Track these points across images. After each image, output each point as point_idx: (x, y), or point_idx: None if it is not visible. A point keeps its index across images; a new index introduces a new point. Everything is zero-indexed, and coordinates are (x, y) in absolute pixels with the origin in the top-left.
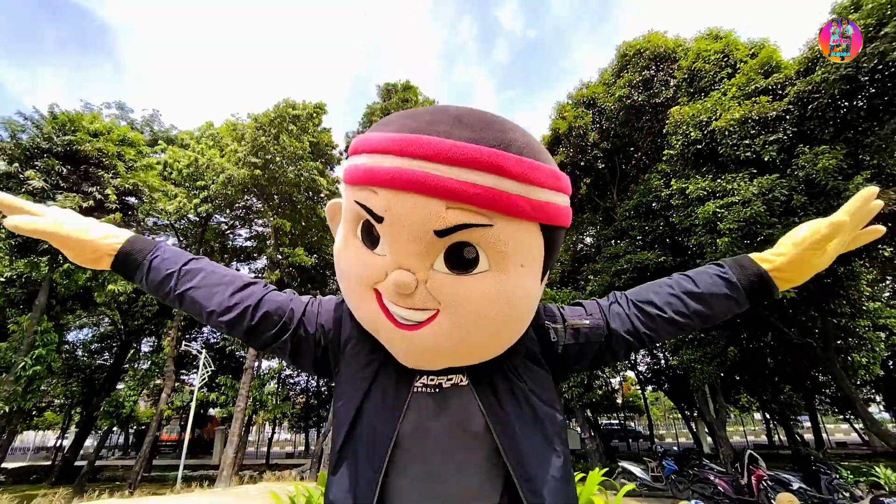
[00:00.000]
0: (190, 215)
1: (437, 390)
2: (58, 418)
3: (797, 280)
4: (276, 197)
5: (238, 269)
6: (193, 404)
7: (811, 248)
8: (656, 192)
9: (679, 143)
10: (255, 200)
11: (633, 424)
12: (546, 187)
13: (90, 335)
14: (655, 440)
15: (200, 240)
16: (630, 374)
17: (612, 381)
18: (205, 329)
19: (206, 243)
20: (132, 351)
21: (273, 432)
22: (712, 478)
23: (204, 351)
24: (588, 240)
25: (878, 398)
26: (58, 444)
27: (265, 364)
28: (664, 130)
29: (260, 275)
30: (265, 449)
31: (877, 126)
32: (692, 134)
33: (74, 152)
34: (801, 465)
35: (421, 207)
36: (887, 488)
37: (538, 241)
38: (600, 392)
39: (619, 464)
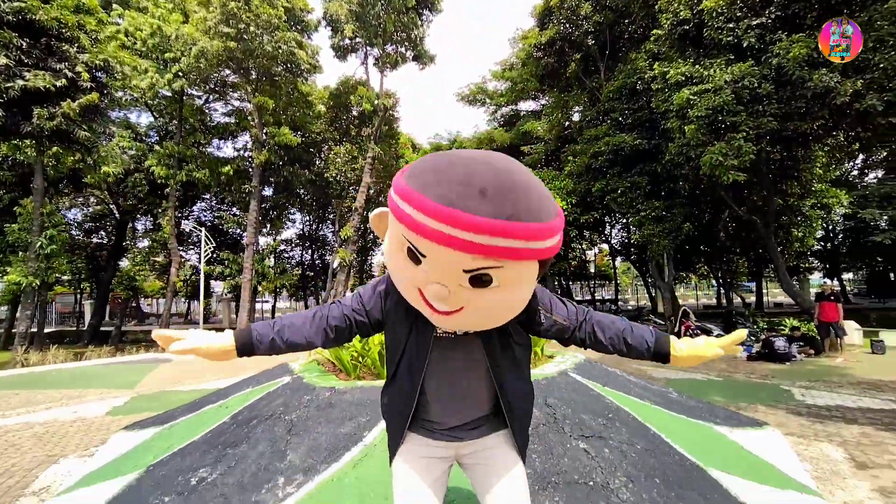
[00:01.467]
0: (164, 91)
1: (454, 336)
2: (68, 290)
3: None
4: (253, 71)
5: (220, 147)
6: (202, 277)
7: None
8: (641, 73)
9: (668, 22)
10: (230, 73)
11: (602, 291)
12: (544, 239)
13: (79, 215)
14: (620, 303)
15: (179, 118)
16: (605, 246)
17: (589, 252)
18: (195, 208)
19: (185, 121)
20: (128, 229)
21: (275, 301)
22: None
23: (203, 229)
24: (576, 117)
25: (820, 266)
26: (77, 313)
27: (262, 241)
28: (657, 6)
29: (245, 152)
30: (269, 315)
31: (857, 12)
32: (682, 13)
33: (30, 22)
34: (725, 318)
35: (454, 257)
36: (785, 331)
37: (535, 268)
38: (574, 262)
39: None
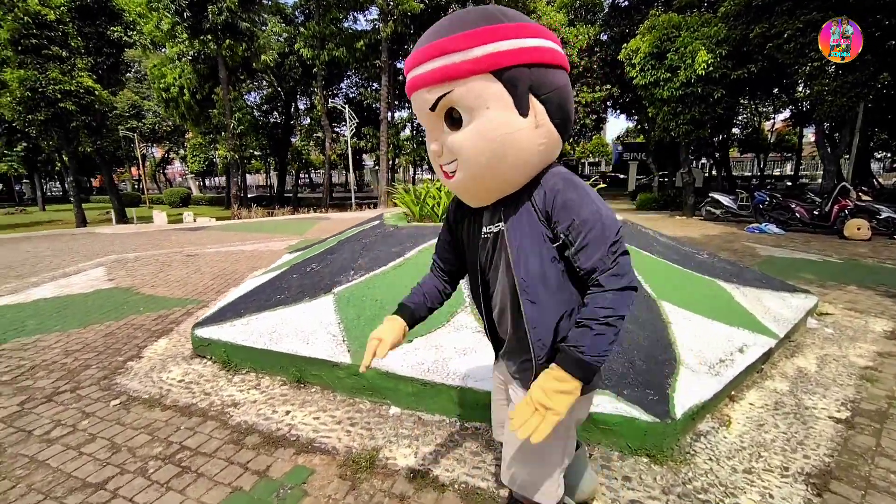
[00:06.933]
0: None
1: (490, 234)
2: (260, 165)
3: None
4: None
5: (356, 20)
6: (350, 151)
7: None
8: None
9: None
10: None
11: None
12: (481, 44)
13: (257, 98)
14: (800, 179)
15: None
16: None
17: (775, 118)
18: (342, 85)
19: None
20: (292, 109)
21: (414, 173)
22: (793, 205)
23: (347, 107)
24: None
25: None
26: (266, 183)
27: (398, 115)
28: None
29: (375, 24)
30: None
31: None
32: None
33: None
34: None
35: (419, 99)
36: None
37: (494, 86)
38: (738, 131)
39: (710, 194)
